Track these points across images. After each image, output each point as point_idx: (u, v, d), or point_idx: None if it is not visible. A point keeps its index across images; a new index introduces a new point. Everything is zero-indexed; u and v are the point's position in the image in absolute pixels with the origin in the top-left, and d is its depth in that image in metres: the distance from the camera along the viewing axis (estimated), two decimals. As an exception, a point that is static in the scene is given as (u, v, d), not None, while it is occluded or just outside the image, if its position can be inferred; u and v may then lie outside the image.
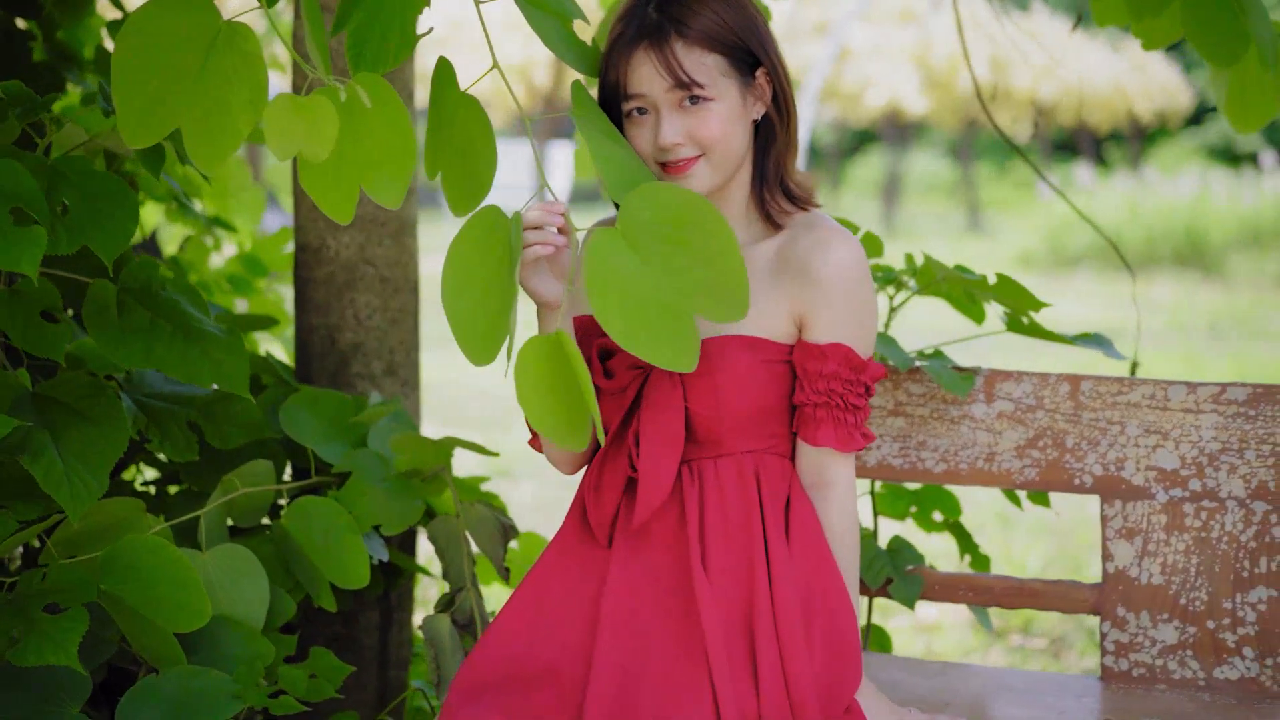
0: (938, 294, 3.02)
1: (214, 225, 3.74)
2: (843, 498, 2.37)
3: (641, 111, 2.29)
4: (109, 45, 3.56)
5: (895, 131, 24.95)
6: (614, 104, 2.31)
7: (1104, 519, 2.69)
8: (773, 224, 2.37)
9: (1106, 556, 2.69)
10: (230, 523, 2.79)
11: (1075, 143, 29.45)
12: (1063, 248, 17.27)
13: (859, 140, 31.35)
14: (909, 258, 3.01)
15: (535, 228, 2.19)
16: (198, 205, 3.85)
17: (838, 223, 2.40)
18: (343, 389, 3.22)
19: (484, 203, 2.11)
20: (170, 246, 4.35)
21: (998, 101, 23.74)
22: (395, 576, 3.20)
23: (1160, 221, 17.39)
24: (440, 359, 7.92)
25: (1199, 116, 29.74)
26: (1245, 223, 17.19)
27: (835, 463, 2.37)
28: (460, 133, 2.13)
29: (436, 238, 5.98)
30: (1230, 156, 27.68)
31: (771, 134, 2.36)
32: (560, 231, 2.20)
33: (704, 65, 2.26)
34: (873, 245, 3.01)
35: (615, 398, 2.37)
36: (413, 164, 2.04)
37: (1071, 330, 3.06)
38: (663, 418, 2.33)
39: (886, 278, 2.99)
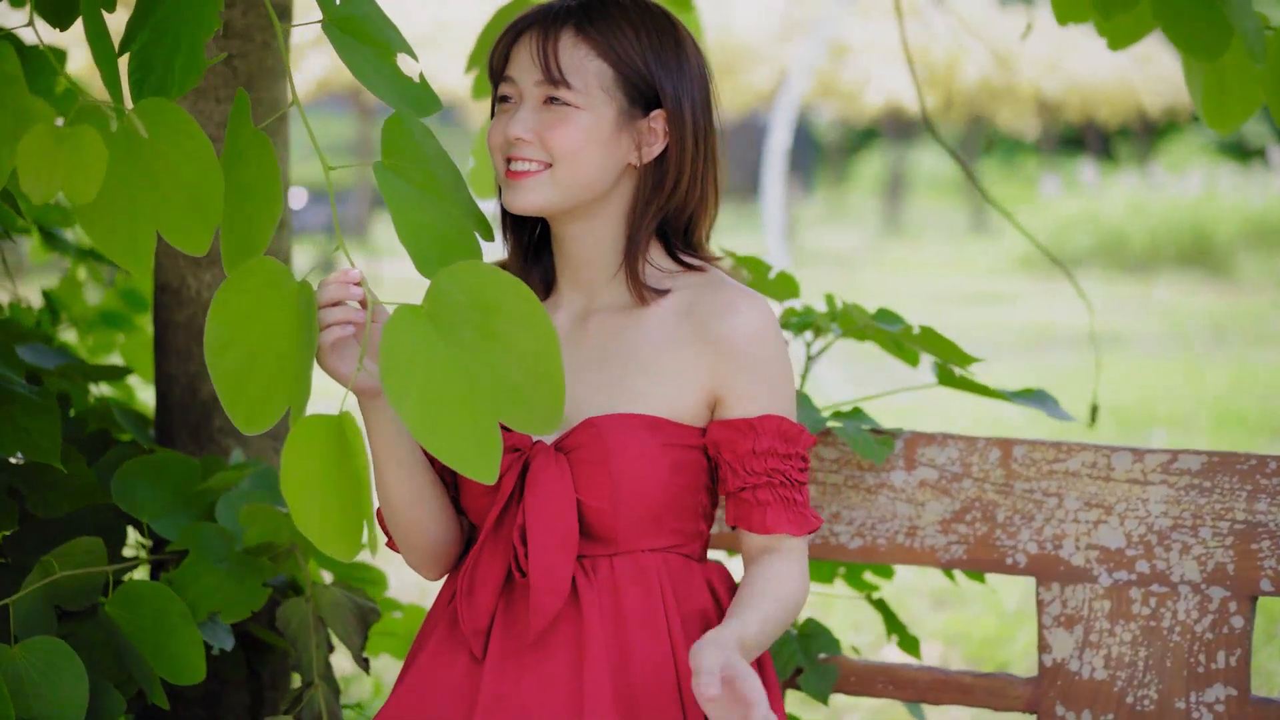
0: (863, 337, 2.68)
1: (87, 258, 3.42)
2: (796, 565, 2.05)
3: (506, 100, 2.04)
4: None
5: (897, 128, 24.60)
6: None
7: (1040, 604, 2.35)
8: (648, 288, 2.05)
9: (1043, 647, 2.35)
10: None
11: (1083, 139, 29.05)
12: (1065, 248, 16.89)
13: (863, 138, 30.97)
14: (829, 298, 2.68)
15: (334, 303, 1.88)
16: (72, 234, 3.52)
17: (738, 282, 2.08)
18: (206, 445, 2.89)
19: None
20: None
21: (1001, 98, 23.35)
22: (265, 652, 2.87)
23: (1165, 220, 17.00)
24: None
25: (1209, 111, 29.24)
26: (1253, 221, 16.78)
27: (788, 545, 2.05)
28: (246, 175, 1.82)
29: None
30: (1240, 152, 27.25)
31: (656, 189, 2.05)
32: (362, 305, 1.89)
33: (583, 67, 1.98)
34: (788, 286, 2.67)
35: (488, 492, 2.04)
36: (218, 202, 1.74)
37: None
38: (552, 511, 1.99)
39: (803, 322, 2.65)
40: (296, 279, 1.77)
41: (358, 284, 1.88)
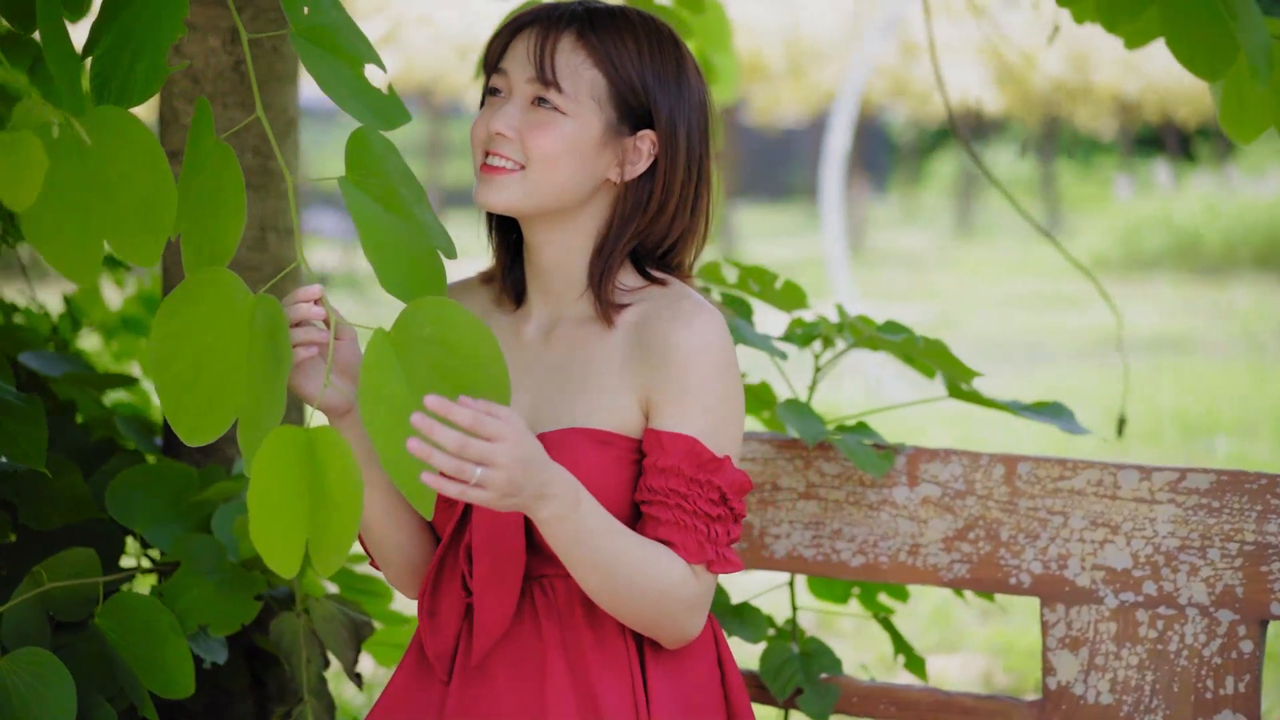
0: (874, 347, 2.61)
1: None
2: (687, 578, 1.91)
3: (495, 93, 1.98)
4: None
5: (970, 129, 24.37)
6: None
7: (1044, 626, 2.28)
8: (614, 306, 1.99)
9: (1048, 670, 2.28)
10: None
11: (1161, 139, 28.67)
12: (1139, 250, 16.67)
13: (936, 138, 30.72)
14: (840, 308, 2.62)
15: (298, 323, 1.84)
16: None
17: (704, 299, 2.01)
18: (213, 454, 2.87)
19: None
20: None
21: (1079, 98, 23.05)
22: (271, 663, 2.84)
23: (1241, 222, 16.74)
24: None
25: (1291, 109, 28.74)
26: (1333, 224, 16.51)
27: (689, 567, 1.92)
28: (208, 186, 1.78)
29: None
30: (1322, 152, 26.77)
31: (635, 210, 1.99)
32: (325, 324, 1.85)
33: (577, 73, 1.93)
34: (794, 296, 2.62)
35: (444, 507, 1.99)
36: (171, 214, 1.70)
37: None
38: (497, 529, 1.93)
39: (808, 333, 2.59)
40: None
41: (317, 301, 1.84)
